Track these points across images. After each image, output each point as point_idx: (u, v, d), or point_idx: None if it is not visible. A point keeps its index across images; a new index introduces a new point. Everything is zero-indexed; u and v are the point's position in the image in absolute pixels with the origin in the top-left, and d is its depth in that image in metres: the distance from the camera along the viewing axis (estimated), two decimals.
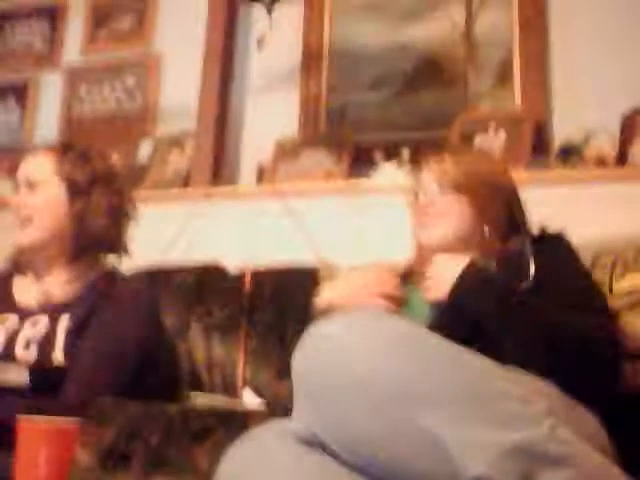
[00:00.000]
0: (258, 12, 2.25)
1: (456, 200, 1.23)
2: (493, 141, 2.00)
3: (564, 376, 1.00)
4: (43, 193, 1.37)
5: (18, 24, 2.80)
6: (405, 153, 2.05)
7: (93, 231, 1.37)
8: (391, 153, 2.07)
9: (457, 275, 1.11)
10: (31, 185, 1.37)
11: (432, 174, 1.27)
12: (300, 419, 0.83)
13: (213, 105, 2.25)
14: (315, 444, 0.81)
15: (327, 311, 1.12)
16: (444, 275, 1.14)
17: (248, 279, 1.60)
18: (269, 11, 1.56)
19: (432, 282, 1.16)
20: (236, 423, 1.06)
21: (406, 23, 2.24)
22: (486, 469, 0.70)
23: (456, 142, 1.99)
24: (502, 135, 2.00)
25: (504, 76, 2.11)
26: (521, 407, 0.76)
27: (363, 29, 2.29)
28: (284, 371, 1.40)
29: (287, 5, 1.96)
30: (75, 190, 1.37)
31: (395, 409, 0.76)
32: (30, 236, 1.35)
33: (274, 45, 2.21)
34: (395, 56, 2.23)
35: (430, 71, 2.20)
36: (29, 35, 2.77)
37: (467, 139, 2.05)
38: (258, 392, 1.40)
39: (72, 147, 1.44)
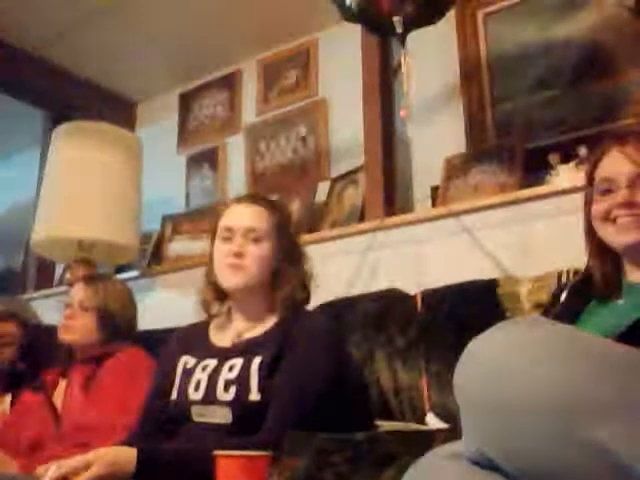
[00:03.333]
0: (410, 42, 2.29)
1: None
2: None
3: None
4: (263, 245, 1.44)
5: (203, 98, 3.12)
6: (583, 151, 1.92)
7: (287, 281, 1.45)
8: (567, 154, 1.96)
9: None
10: (253, 236, 1.43)
11: (622, 160, 1.12)
12: (469, 440, 0.81)
13: (378, 138, 2.30)
14: (487, 465, 0.79)
15: None
16: None
17: (421, 301, 1.59)
18: (402, 43, 1.58)
19: None
20: (420, 448, 1.06)
21: (564, 14, 2.12)
22: None
23: (636, 130, 1.82)
24: None
25: None
26: None
27: (519, 29, 2.21)
28: None
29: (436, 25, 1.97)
30: (281, 244, 1.46)
31: (566, 425, 0.71)
32: (242, 280, 1.42)
33: (430, 66, 2.22)
34: (558, 51, 2.12)
35: (599, 59, 2.06)
36: (212, 106, 3.07)
37: None
38: (444, 416, 1.38)
39: (274, 200, 1.53)
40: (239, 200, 1.53)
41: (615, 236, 1.15)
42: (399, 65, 1.59)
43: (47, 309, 2.67)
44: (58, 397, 1.83)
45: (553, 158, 1.98)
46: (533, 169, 2.00)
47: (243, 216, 1.47)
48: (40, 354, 2.09)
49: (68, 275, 2.57)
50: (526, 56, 2.19)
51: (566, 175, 1.91)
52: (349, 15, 1.63)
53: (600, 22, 2.08)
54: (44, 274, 3.14)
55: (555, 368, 0.74)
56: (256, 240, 1.44)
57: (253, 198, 1.54)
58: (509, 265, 1.77)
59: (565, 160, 1.94)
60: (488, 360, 0.79)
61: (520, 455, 0.75)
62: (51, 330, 1.99)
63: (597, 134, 1.92)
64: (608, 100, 2.00)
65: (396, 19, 1.47)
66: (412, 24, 1.53)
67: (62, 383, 1.88)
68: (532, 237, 1.81)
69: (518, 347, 0.78)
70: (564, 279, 1.52)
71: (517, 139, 2.11)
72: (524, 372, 0.75)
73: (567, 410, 0.71)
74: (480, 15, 2.33)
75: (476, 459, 0.79)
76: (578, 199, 1.27)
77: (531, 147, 2.07)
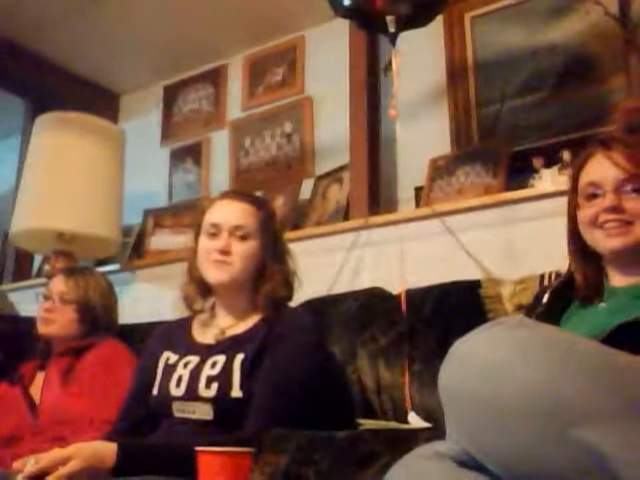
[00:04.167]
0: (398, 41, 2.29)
1: None
2: None
3: None
4: (249, 242, 1.43)
5: (187, 92, 3.10)
6: (566, 156, 1.94)
7: (271, 278, 1.44)
8: (551, 158, 1.98)
9: None
10: (240, 233, 1.42)
11: (608, 164, 1.13)
12: (454, 439, 0.82)
13: (364, 137, 2.30)
14: (473, 465, 0.79)
15: None
16: None
17: (405, 301, 1.60)
18: (393, 42, 1.58)
19: None
20: (402, 447, 1.06)
21: (551, 20, 2.14)
22: None
23: (621, 136, 1.84)
24: None
25: None
26: None
27: (506, 33, 2.23)
28: None
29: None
30: (266, 241, 1.45)
31: (550, 424, 0.72)
32: (228, 275, 1.41)
33: (417, 66, 2.22)
34: (543, 56, 2.14)
35: (585, 65, 2.08)
36: (197, 100, 3.05)
37: (636, 131, 1.89)
38: (426, 415, 1.38)
39: (259, 196, 1.51)
40: (225, 196, 1.52)
41: (603, 241, 1.16)
42: (390, 64, 1.59)
43: (25, 300, 2.63)
44: (35, 390, 1.81)
45: (537, 161, 2.00)
46: (517, 172, 2.02)
47: (230, 213, 1.46)
48: (17, 346, 2.06)
49: (47, 267, 2.53)
50: (512, 60, 2.20)
51: (549, 179, 1.93)
52: (341, 10, 1.62)
53: (586, 29, 2.10)
54: (22, 265, 3.10)
55: (540, 368, 0.75)
56: (243, 237, 1.43)
57: (240, 194, 1.53)
58: (492, 266, 1.78)
59: (548, 164, 1.96)
60: (473, 360, 0.80)
61: (505, 454, 0.75)
62: (28, 322, 1.96)
63: (580, 139, 1.93)
64: (592, 106, 2.02)
65: (389, 18, 1.46)
66: (405, 24, 1.52)
67: (39, 376, 1.86)
68: (515, 239, 1.82)
69: (503, 347, 0.78)
70: (546, 281, 1.53)
71: (502, 142, 2.13)
72: (509, 372, 0.75)
73: (553, 410, 0.72)
74: (467, 18, 2.34)
75: (461, 459, 0.80)
76: (561, 202, 1.28)
77: (516, 150, 2.08)
